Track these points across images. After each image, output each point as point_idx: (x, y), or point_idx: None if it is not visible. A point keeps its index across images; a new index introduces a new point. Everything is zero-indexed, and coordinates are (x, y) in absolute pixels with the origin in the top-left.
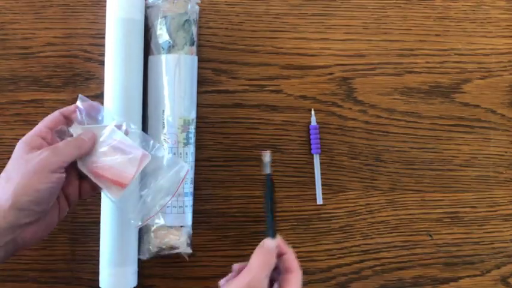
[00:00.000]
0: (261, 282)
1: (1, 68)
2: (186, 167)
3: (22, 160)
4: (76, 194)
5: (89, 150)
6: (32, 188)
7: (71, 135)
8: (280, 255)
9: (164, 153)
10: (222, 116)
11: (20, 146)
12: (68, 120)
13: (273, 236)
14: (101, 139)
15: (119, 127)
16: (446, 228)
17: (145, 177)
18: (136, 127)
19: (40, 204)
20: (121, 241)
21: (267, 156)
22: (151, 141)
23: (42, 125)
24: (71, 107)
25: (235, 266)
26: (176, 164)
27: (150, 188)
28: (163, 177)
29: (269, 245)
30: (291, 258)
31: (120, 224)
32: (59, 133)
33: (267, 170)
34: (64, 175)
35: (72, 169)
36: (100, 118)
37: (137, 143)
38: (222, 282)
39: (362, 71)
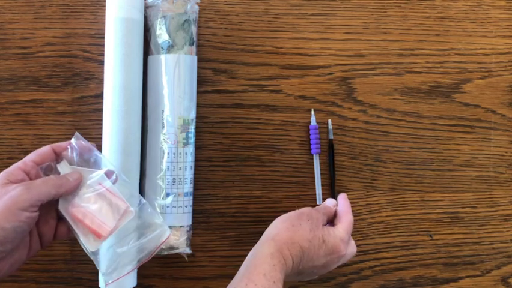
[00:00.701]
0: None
1: (0, 68)
2: (168, 231)
3: None
4: (51, 235)
5: (71, 190)
6: None
7: (58, 173)
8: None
9: (150, 214)
10: (222, 116)
11: (0, 177)
12: (58, 157)
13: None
14: (87, 183)
15: (109, 175)
16: (446, 229)
17: (125, 233)
18: (127, 179)
19: (4, 243)
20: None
21: (329, 123)
22: (140, 198)
23: (29, 158)
24: (64, 144)
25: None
26: (159, 226)
27: (129, 245)
28: (144, 237)
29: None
30: (343, 204)
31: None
32: (46, 170)
33: (330, 136)
34: (35, 214)
35: (51, 208)
36: (92, 161)
37: (125, 196)
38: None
39: (361, 71)
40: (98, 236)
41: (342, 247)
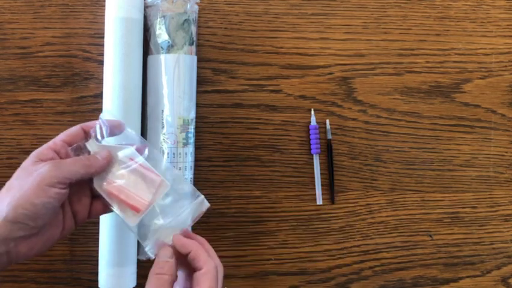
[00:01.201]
0: None
1: (0, 67)
2: (206, 203)
3: (25, 171)
4: (85, 213)
5: (101, 169)
6: (28, 201)
7: (88, 152)
8: (186, 254)
9: (186, 185)
10: (222, 116)
11: (30, 156)
12: (87, 136)
13: (333, 200)
14: (119, 159)
15: (141, 150)
16: (446, 229)
17: (163, 206)
18: (157, 152)
19: (35, 219)
20: (120, 241)
21: (327, 124)
22: (174, 170)
23: (59, 138)
24: (93, 123)
25: None
26: (196, 196)
27: (168, 218)
28: (183, 209)
29: (161, 260)
30: (199, 254)
31: (119, 224)
32: (76, 150)
33: (329, 136)
34: (64, 191)
35: (84, 187)
36: (122, 137)
37: (159, 169)
38: None
39: (361, 71)
40: (136, 211)
41: None
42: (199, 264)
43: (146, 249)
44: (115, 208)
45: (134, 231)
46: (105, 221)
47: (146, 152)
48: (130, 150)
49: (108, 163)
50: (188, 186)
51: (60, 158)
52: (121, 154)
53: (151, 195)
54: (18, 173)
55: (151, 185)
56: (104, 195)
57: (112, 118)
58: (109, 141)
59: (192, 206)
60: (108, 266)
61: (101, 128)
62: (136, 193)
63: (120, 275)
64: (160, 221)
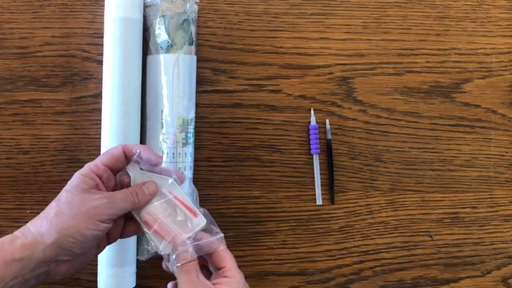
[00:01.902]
0: None
1: None
2: (223, 244)
3: (77, 199)
4: (118, 234)
5: (146, 203)
6: (79, 232)
7: (128, 176)
8: (212, 251)
9: (210, 221)
10: (221, 116)
11: (77, 181)
12: (127, 160)
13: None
14: (161, 191)
15: (180, 179)
16: (446, 229)
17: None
18: (194, 187)
19: (82, 247)
20: (119, 242)
21: (327, 124)
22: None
23: (101, 160)
24: (135, 147)
25: None
26: (215, 234)
27: (187, 244)
28: (202, 241)
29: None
30: (226, 254)
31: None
32: (120, 176)
33: (329, 136)
34: (111, 224)
35: None
36: (158, 169)
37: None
38: None
39: (361, 71)
40: (170, 242)
41: None
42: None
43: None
44: (148, 235)
45: (165, 258)
46: None
47: (186, 182)
48: (170, 180)
49: (153, 197)
50: (211, 223)
51: (102, 182)
52: (161, 185)
53: (187, 234)
54: (67, 199)
55: (188, 219)
56: (141, 223)
57: (150, 152)
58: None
59: (210, 240)
60: (107, 266)
61: (140, 156)
62: (172, 226)
63: (119, 275)
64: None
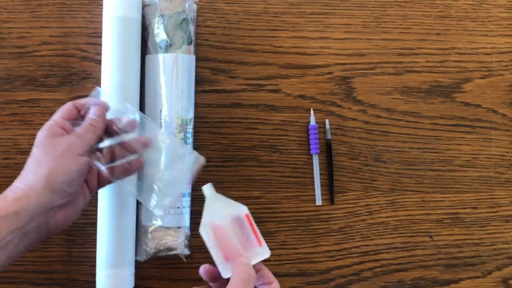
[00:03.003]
0: None
1: None
2: (203, 157)
3: (49, 145)
4: (95, 183)
5: (104, 126)
6: (64, 169)
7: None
8: (256, 271)
9: (181, 147)
10: (220, 116)
11: (43, 134)
12: (79, 113)
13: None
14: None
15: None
16: (446, 229)
17: (160, 166)
18: (151, 121)
19: (71, 185)
20: (117, 242)
21: (327, 124)
22: (171, 136)
23: (58, 116)
24: (83, 101)
25: None
26: (191, 153)
27: (165, 176)
28: (179, 167)
29: (245, 260)
30: (268, 272)
31: (117, 225)
32: (74, 125)
33: (328, 136)
34: (88, 159)
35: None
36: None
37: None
38: (203, 273)
39: (361, 70)
40: (226, 259)
41: None
42: (271, 278)
43: (153, 206)
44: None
45: (137, 195)
46: (102, 222)
47: (124, 119)
48: (245, 208)
49: (104, 118)
50: (184, 148)
51: (66, 132)
52: (235, 209)
53: (248, 258)
54: (40, 149)
55: (250, 245)
56: (205, 238)
57: (100, 100)
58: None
59: (188, 162)
60: (106, 267)
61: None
62: (235, 246)
63: (118, 276)
64: (162, 178)
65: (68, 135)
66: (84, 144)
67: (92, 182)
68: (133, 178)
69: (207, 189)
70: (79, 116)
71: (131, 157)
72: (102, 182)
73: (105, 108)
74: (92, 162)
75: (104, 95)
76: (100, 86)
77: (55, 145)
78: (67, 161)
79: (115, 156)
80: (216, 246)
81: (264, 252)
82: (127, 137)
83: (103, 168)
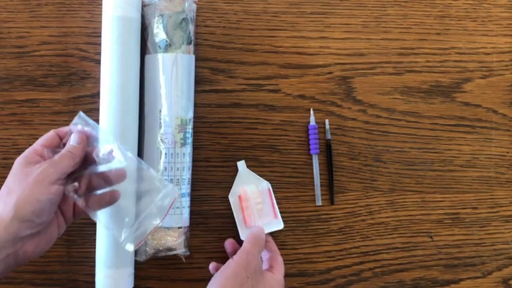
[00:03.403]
0: (255, 257)
1: None
2: (177, 190)
3: (22, 174)
4: (71, 213)
5: (83, 153)
6: (34, 199)
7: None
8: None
9: (156, 175)
10: (220, 116)
11: (18, 162)
12: (61, 140)
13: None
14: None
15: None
16: (446, 230)
17: (133, 198)
18: (123, 148)
19: (41, 215)
20: (117, 243)
21: (327, 124)
22: (141, 162)
23: (38, 143)
24: (66, 128)
25: (212, 265)
26: (166, 186)
27: (140, 210)
28: (153, 200)
29: (259, 228)
30: (274, 246)
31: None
32: (54, 152)
33: (328, 136)
34: (62, 187)
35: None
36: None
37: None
38: (211, 269)
39: (361, 70)
40: (246, 225)
41: None
42: (274, 249)
43: (124, 240)
44: (235, 216)
45: (108, 228)
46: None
47: (104, 149)
48: (266, 183)
49: (85, 146)
50: (159, 180)
51: (44, 160)
52: (258, 184)
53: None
54: (13, 177)
55: (267, 215)
56: (232, 204)
57: (82, 126)
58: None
59: (162, 195)
60: (105, 267)
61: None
62: (254, 214)
63: (117, 276)
64: (134, 210)
65: (43, 163)
66: (58, 172)
67: (68, 211)
68: (106, 209)
69: (241, 165)
70: (60, 144)
71: (107, 188)
72: (78, 212)
73: (87, 135)
74: (66, 191)
75: (87, 121)
76: (100, 88)
77: (28, 173)
78: (37, 190)
79: (91, 187)
80: (239, 212)
81: (278, 224)
82: (104, 167)
83: (78, 198)
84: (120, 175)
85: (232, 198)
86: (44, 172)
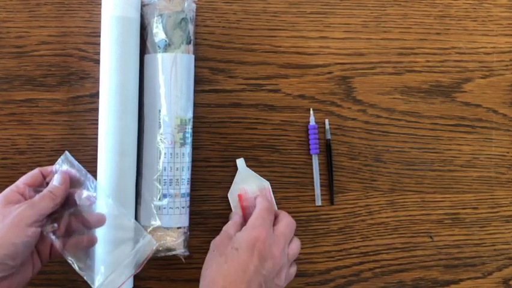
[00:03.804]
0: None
1: None
2: (154, 242)
3: (0, 215)
4: (47, 253)
5: (65, 194)
6: (9, 242)
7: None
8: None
9: (130, 223)
10: (219, 116)
11: None
12: (45, 179)
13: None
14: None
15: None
16: (446, 230)
17: (110, 245)
18: (101, 188)
19: (15, 258)
20: (115, 242)
21: (326, 123)
22: (119, 208)
23: (21, 181)
24: (50, 168)
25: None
26: (144, 237)
27: (116, 259)
28: (129, 249)
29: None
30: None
31: (114, 225)
32: (36, 191)
33: (328, 136)
34: (39, 229)
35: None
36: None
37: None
38: (231, 230)
39: (361, 70)
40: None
41: (255, 233)
42: (279, 212)
43: (96, 286)
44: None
45: (83, 273)
46: None
47: (86, 192)
48: (266, 183)
49: (67, 187)
50: (137, 230)
51: (25, 199)
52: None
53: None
54: None
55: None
56: (231, 202)
57: (67, 166)
58: None
59: (139, 245)
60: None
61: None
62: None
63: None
64: (109, 258)
65: (22, 203)
66: (36, 214)
67: (45, 252)
68: (82, 253)
69: (240, 162)
70: (43, 182)
71: (85, 232)
72: (54, 254)
73: (70, 176)
74: (44, 231)
75: (72, 162)
76: (99, 87)
77: (5, 214)
78: (12, 232)
79: (70, 229)
80: (239, 211)
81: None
82: (84, 211)
83: (56, 239)
84: (99, 220)
85: (231, 196)
86: (21, 214)
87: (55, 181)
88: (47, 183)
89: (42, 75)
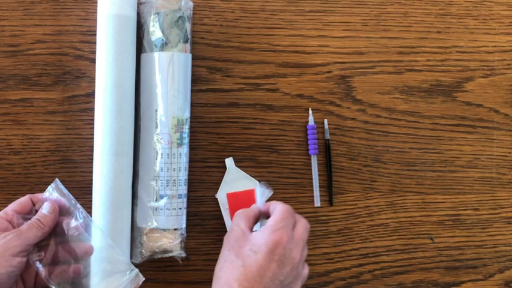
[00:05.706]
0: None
1: None
2: (141, 276)
3: None
4: (32, 282)
5: (53, 224)
6: None
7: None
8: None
9: (119, 256)
10: (217, 116)
11: None
12: (34, 206)
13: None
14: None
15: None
16: (447, 231)
17: (96, 277)
18: (90, 219)
19: None
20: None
21: (325, 123)
22: (107, 239)
23: (10, 208)
24: (40, 195)
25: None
26: (132, 271)
27: None
28: (116, 282)
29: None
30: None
31: (112, 226)
32: (25, 219)
33: (327, 136)
34: (25, 259)
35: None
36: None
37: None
38: (244, 226)
39: (361, 69)
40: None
41: (277, 236)
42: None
43: None
44: (223, 214)
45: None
46: (97, 223)
47: (74, 221)
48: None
49: (56, 217)
50: (125, 263)
51: (13, 226)
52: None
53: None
54: None
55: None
56: (220, 202)
57: (57, 195)
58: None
59: (126, 279)
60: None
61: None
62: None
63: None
64: None
65: (8, 232)
66: (23, 244)
67: (30, 280)
68: (67, 284)
69: (229, 162)
70: (32, 210)
71: (72, 262)
72: (39, 282)
73: (60, 205)
74: (30, 259)
75: (62, 190)
76: (95, 87)
77: None
78: None
79: (56, 258)
80: (227, 210)
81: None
82: (72, 240)
83: (42, 268)
84: (87, 251)
85: (219, 196)
86: (7, 244)
87: (44, 209)
88: (36, 211)
89: (38, 75)
